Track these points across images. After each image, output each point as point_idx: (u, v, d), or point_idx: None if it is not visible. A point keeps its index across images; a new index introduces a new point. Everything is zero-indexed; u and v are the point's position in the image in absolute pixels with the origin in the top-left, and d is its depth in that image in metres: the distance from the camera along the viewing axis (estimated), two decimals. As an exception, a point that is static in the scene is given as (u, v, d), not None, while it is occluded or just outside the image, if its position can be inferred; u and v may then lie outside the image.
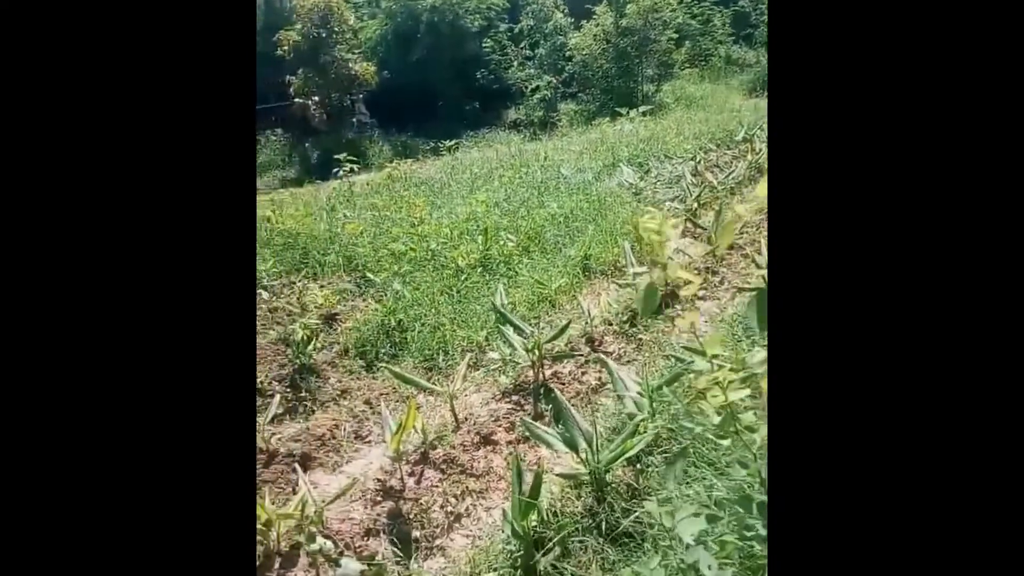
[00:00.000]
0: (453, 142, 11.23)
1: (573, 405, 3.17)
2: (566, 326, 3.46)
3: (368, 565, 2.21)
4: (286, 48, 12.92)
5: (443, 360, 3.87)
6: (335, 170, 8.97)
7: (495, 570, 2.13)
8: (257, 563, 2.42)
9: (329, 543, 2.28)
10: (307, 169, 12.14)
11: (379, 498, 2.70)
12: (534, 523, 2.16)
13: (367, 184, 8.89)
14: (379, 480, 2.82)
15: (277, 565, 2.42)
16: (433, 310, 4.35)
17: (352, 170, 8.71)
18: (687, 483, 2.09)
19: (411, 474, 2.85)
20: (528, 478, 2.22)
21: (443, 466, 2.86)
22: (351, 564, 2.13)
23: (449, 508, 2.60)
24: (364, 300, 4.87)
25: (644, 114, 11.06)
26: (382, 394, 3.62)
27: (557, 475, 2.48)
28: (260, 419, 3.30)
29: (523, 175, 7.93)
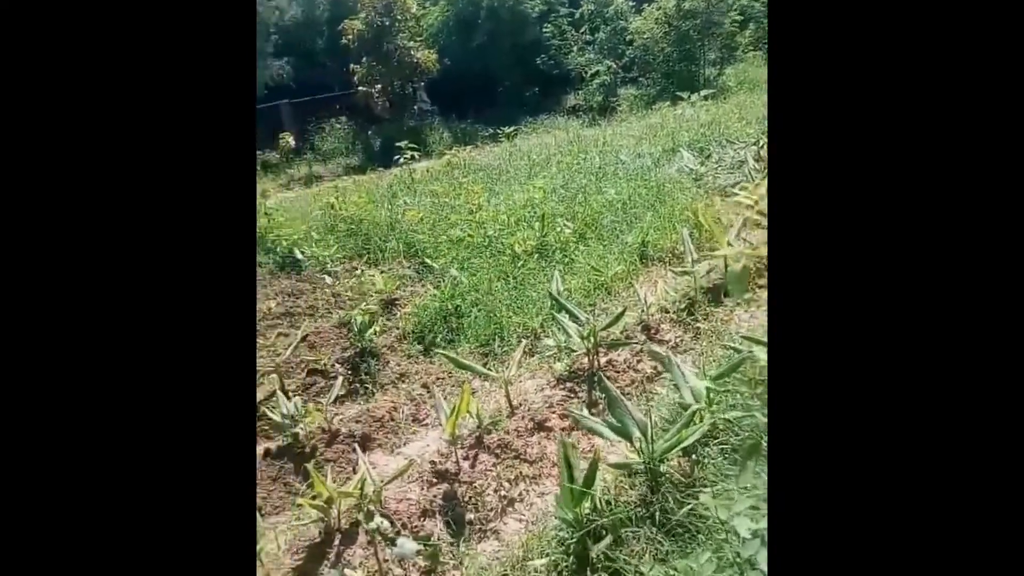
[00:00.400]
0: (512, 128, 11.23)
1: (628, 394, 3.15)
2: (621, 313, 3.43)
3: (424, 545, 2.27)
4: (350, 37, 13.15)
5: (499, 346, 3.90)
6: (396, 157, 9.12)
7: (547, 556, 2.15)
8: (318, 539, 2.51)
9: (387, 522, 2.34)
10: (370, 156, 12.37)
11: (435, 480, 2.75)
12: (587, 511, 2.16)
13: (427, 171, 9.00)
14: (435, 463, 2.88)
15: (337, 541, 2.51)
16: (489, 296, 4.38)
17: (413, 157, 8.83)
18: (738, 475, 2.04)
19: (466, 458, 2.89)
20: (582, 466, 2.22)
21: (497, 451, 2.89)
22: (407, 543, 2.18)
23: (503, 492, 2.63)
24: (423, 286, 4.95)
25: (706, 98, 10.75)
26: (439, 378, 3.68)
27: (611, 465, 2.47)
28: (323, 400, 3.41)
29: (581, 161, 7.86)
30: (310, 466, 2.73)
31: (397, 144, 9.13)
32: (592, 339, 3.36)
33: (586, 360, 3.52)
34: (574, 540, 2.12)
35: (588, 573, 2.02)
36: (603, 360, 3.51)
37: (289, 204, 8.48)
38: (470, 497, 2.61)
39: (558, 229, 5.27)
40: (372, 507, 2.40)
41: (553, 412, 3.13)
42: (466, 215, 6.08)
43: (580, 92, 14.87)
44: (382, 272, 5.23)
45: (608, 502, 2.29)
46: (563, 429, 3.01)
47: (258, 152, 12.17)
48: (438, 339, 4.10)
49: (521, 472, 2.74)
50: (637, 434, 2.29)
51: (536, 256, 5.03)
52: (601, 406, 3.11)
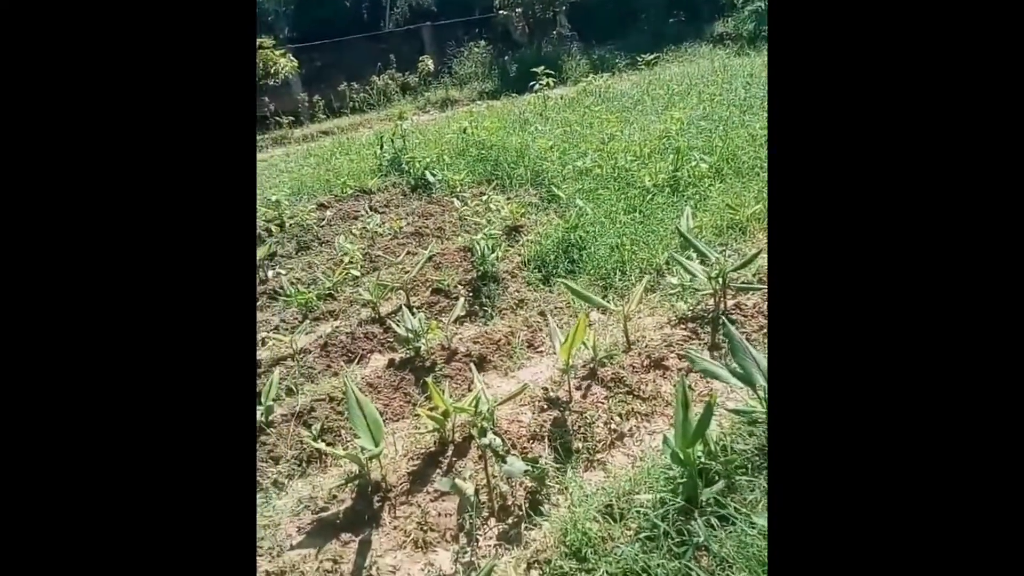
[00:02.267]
0: (652, 56, 10.65)
1: (754, 340, 2.99)
2: (755, 255, 3.22)
3: (531, 466, 2.31)
4: (493, -42, 12.86)
5: (619, 280, 3.81)
6: (531, 83, 8.97)
7: (654, 492, 2.12)
8: (433, 449, 2.63)
9: (498, 440, 2.40)
10: (505, 82, 12.26)
11: (546, 406, 2.78)
12: (699, 454, 2.10)
13: (561, 98, 8.79)
14: (547, 389, 2.90)
15: (450, 453, 2.62)
16: (615, 229, 4.27)
17: (548, 84, 8.65)
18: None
19: (578, 388, 2.88)
20: (697, 409, 2.14)
21: (610, 384, 2.86)
22: (516, 463, 2.23)
23: (613, 426, 2.61)
24: (547, 214, 4.90)
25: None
26: (556, 307, 3.67)
27: (729, 410, 2.36)
28: (445, 319, 3.51)
29: (725, 92, 7.35)
30: (429, 380, 2.84)
31: (533, 70, 8.96)
32: (720, 280, 3.19)
33: (711, 301, 3.36)
34: (684, 480, 2.07)
35: (696, 515, 1.97)
36: (730, 303, 3.34)
37: (424, 127, 8.64)
38: (579, 426, 2.62)
39: (693, 163, 5.00)
40: (485, 424, 2.46)
41: (671, 351, 3.04)
42: (597, 145, 5.90)
43: (730, 19, 13.77)
44: (508, 199, 5.23)
45: (724, 447, 2.21)
46: (680, 370, 2.92)
47: (398, 74, 12.41)
48: (559, 269, 4.06)
49: (633, 408, 2.70)
50: (761, 382, 2.16)
51: (667, 190, 4.82)
52: (724, 350, 2.97)
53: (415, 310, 3.65)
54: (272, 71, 10.82)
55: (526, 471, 2.26)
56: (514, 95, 10.92)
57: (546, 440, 2.58)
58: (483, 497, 2.32)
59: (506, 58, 13.30)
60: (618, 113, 7.19)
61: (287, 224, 5.48)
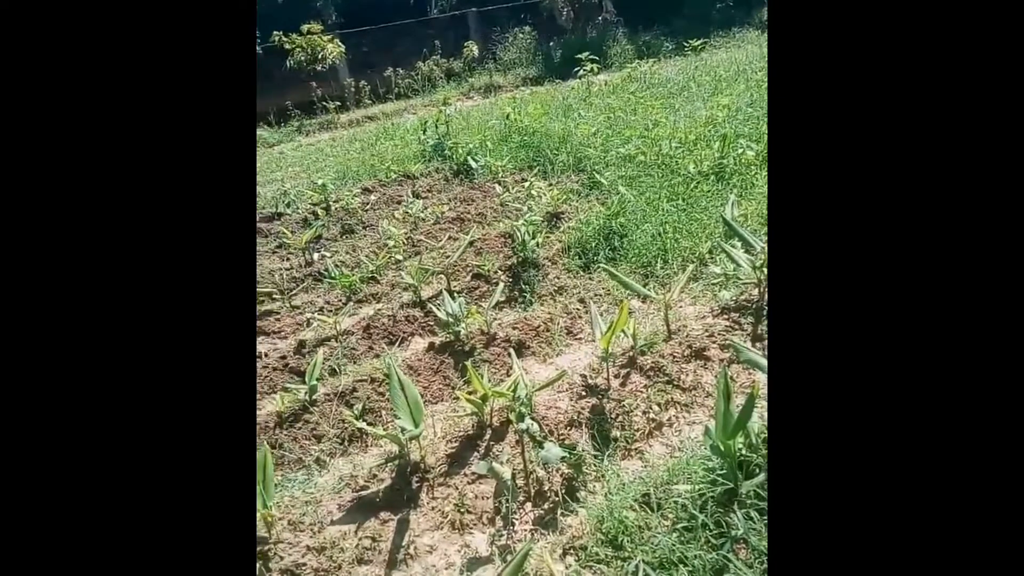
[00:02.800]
0: (700, 42, 10.43)
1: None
2: (804, 246, 3.13)
3: (569, 453, 2.31)
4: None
5: (661, 268, 3.77)
6: (576, 69, 8.89)
7: (693, 483, 2.10)
8: (471, 432, 2.65)
9: (536, 426, 2.41)
10: (549, 67, 12.17)
11: (584, 393, 2.77)
12: (740, 446, 2.07)
13: (605, 84, 8.69)
14: (585, 376, 2.89)
15: (488, 436, 2.64)
16: (657, 216, 4.21)
17: (592, 70, 8.56)
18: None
19: (617, 376, 2.87)
20: (739, 400, 2.11)
21: (650, 373, 2.83)
22: (553, 448, 2.23)
23: (651, 415, 2.59)
24: (589, 201, 4.87)
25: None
26: (596, 295, 3.65)
27: (771, 401, 2.32)
28: (485, 304, 3.52)
29: (776, 78, 7.13)
30: (469, 364, 2.86)
31: (577, 56, 8.87)
32: (764, 269, 3.13)
33: (756, 291, 3.30)
34: (724, 472, 2.05)
35: (735, 508, 1.94)
36: (775, 294, 3.27)
37: (467, 113, 8.65)
38: (617, 415, 2.61)
39: (740, 150, 4.89)
40: (523, 410, 2.47)
41: (713, 341, 2.99)
42: (641, 131, 5.82)
43: (782, 2, 13.34)
44: (550, 185, 5.21)
45: (765, 440, 2.17)
46: (722, 360, 2.87)
47: (443, 60, 12.43)
48: (599, 256, 4.04)
49: (672, 398, 2.67)
50: (806, 374, 2.11)
51: (712, 178, 4.73)
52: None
53: (455, 295, 3.67)
54: (320, 56, 10.95)
55: (563, 457, 2.26)
56: (558, 81, 10.83)
57: (584, 427, 2.58)
58: (520, 482, 2.33)
59: (551, 44, 13.20)
60: (663, 99, 7.07)
61: (332, 208, 5.57)
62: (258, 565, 2.11)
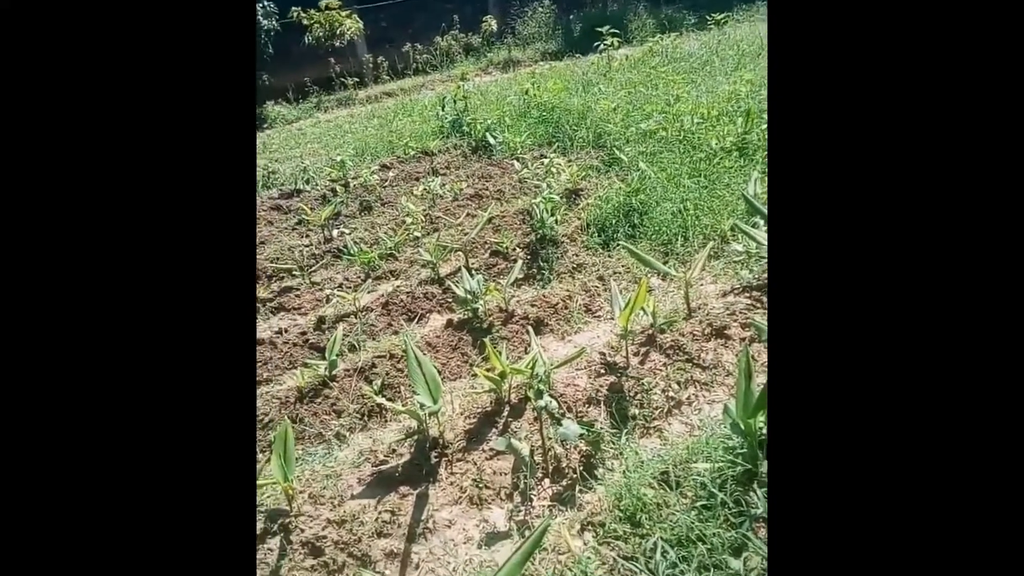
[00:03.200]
0: (722, 16, 10.20)
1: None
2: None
3: (587, 430, 2.31)
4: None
5: (682, 246, 3.72)
6: (596, 44, 8.75)
7: (713, 462, 2.09)
8: (489, 408, 2.66)
9: (554, 403, 2.41)
10: (568, 42, 11.98)
11: (603, 371, 2.76)
12: (761, 425, 2.05)
13: (626, 59, 8.55)
14: (604, 354, 2.88)
15: (506, 413, 2.64)
16: (678, 193, 4.16)
17: (613, 44, 8.42)
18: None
19: (636, 354, 2.85)
20: (761, 380, 2.09)
21: (669, 351, 2.81)
22: (572, 426, 2.23)
23: (671, 393, 2.58)
24: (608, 178, 4.81)
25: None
26: (616, 272, 3.63)
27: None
28: (503, 281, 3.51)
29: (801, 51, 6.97)
30: (487, 341, 2.86)
31: (598, 30, 8.72)
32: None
33: (778, 270, 3.25)
34: (744, 451, 2.03)
35: (755, 487, 1.93)
36: (798, 272, 3.22)
37: (486, 88, 8.57)
38: (636, 393, 2.60)
39: (763, 126, 4.79)
40: (541, 387, 2.47)
41: (734, 320, 2.96)
42: (662, 107, 5.73)
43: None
44: (569, 161, 5.15)
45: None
46: (743, 339, 2.84)
47: (461, 35, 12.30)
48: (619, 233, 4.00)
49: (692, 376, 2.65)
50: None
51: (735, 154, 4.65)
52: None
53: (474, 272, 3.67)
54: (338, 32, 10.88)
55: (581, 435, 2.26)
56: (578, 56, 10.68)
57: (602, 405, 2.57)
58: (538, 458, 2.34)
59: (570, 17, 12.98)
60: (685, 74, 6.95)
61: (351, 184, 5.57)
62: (279, 537, 2.15)
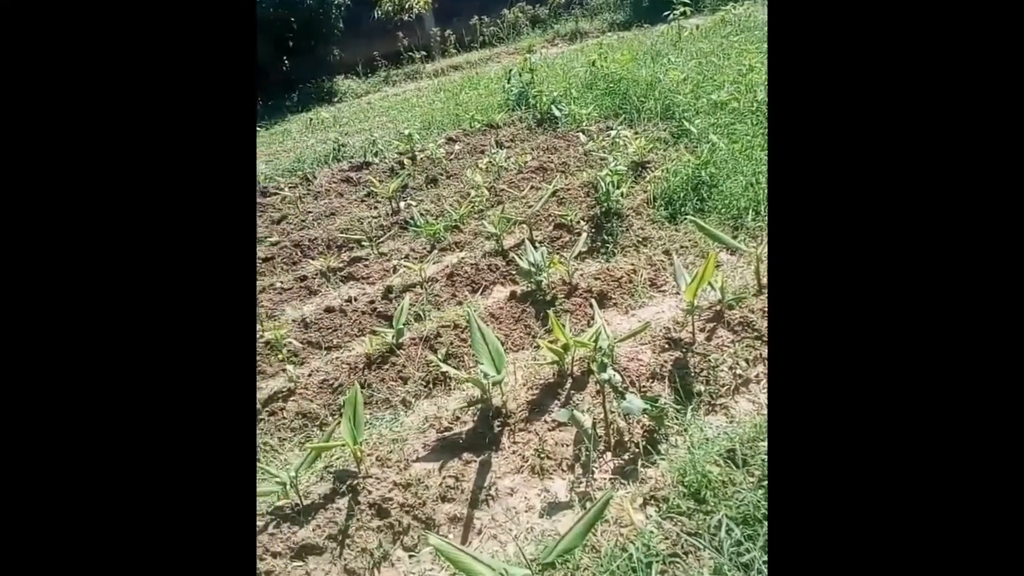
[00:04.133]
0: (804, -22, 9.68)
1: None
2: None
3: (650, 405, 2.28)
4: None
5: (752, 220, 3.60)
6: (665, 13, 8.48)
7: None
8: (551, 380, 2.67)
9: (617, 376, 2.39)
10: (637, 12, 11.67)
11: (667, 346, 2.72)
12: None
13: (697, 28, 8.26)
14: (669, 329, 2.83)
15: (568, 385, 2.65)
16: (750, 166, 4.01)
17: (684, 13, 8.15)
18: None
19: (702, 330, 2.80)
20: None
21: (737, 328, 2.74)
22: (635, 400, 2.21)
23: (738, 371, 2.52)
24: (676, 150, 4.69)
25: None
26: (682, 247, 3.55)
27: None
28: (567, 254, 3.50)
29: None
30: (551, 312, 2.86)
31: (667, -2, 8.45)
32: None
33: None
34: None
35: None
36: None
37: (552, 60, 8.46)
38: (702, 369, 2.55)
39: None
40: (605, 360, 2.46)
41: (807, 297, 2.86)
42: (734, 77, 5.52)
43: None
44: (636, 133, 5.04)
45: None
46: (816, 317, 2.74)
47: (528, 7, 12.16)
48: (686, 206, 3.90)
49: (761, 354, 2.58)
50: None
51: (812, 126, 4.44)
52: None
53: (537, 244, 3.66)
54: (407, 6, 10.94)
55: (645, 409, 2.24)
56: (646, 26, 10.39)
57: (666, 380, 2.54)
58: (600, 431, 2.33)
59: (641, -15, 12.63)
60: (759, 44, 6.66)
61: (418, 157, 5.63)
62: (348, 498, 2.23)
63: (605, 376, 2.33)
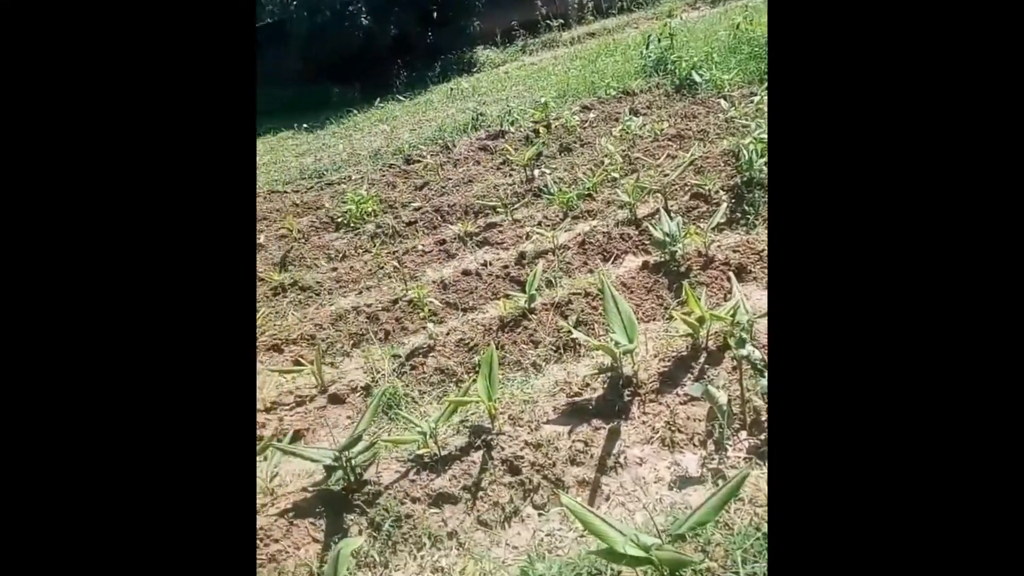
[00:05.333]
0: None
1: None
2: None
3: (790, 384, 2.18)
4: None
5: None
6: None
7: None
8: (685, 353, 2.62)
9: (757, 353, 2.30)
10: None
11: (812, 325, 2.57)
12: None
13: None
14: (816, 307, 2.67)
15: (702, 359, 2.58)
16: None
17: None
18: None
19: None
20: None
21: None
22: (773, 378, 2.12)
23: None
24: (832, 118, 4.36)
25: None
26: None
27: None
28: (704, 224, 3.38)
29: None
30: (686, 284, 2.79)
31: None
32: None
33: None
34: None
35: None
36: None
37: (693, 25, 8.10)
38: (851, 350, 2.39)
39: None
40: (743, 335, 2.37)
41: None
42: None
43: None
44: (785, 100, 4.74)
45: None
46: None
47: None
48: (841, 179, 3.63)
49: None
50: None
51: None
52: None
53: (673, 214, 3.56)
54: (543, -27, 10.86)
55: (785, 388, 2.14)
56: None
57: (810, 360, 2.41)
58: (735, 408, 2.27)
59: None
60: None
61: (553, 126, 5.63)
62: (482, 451, 2.32)
63: (744, 352, 2.25)
